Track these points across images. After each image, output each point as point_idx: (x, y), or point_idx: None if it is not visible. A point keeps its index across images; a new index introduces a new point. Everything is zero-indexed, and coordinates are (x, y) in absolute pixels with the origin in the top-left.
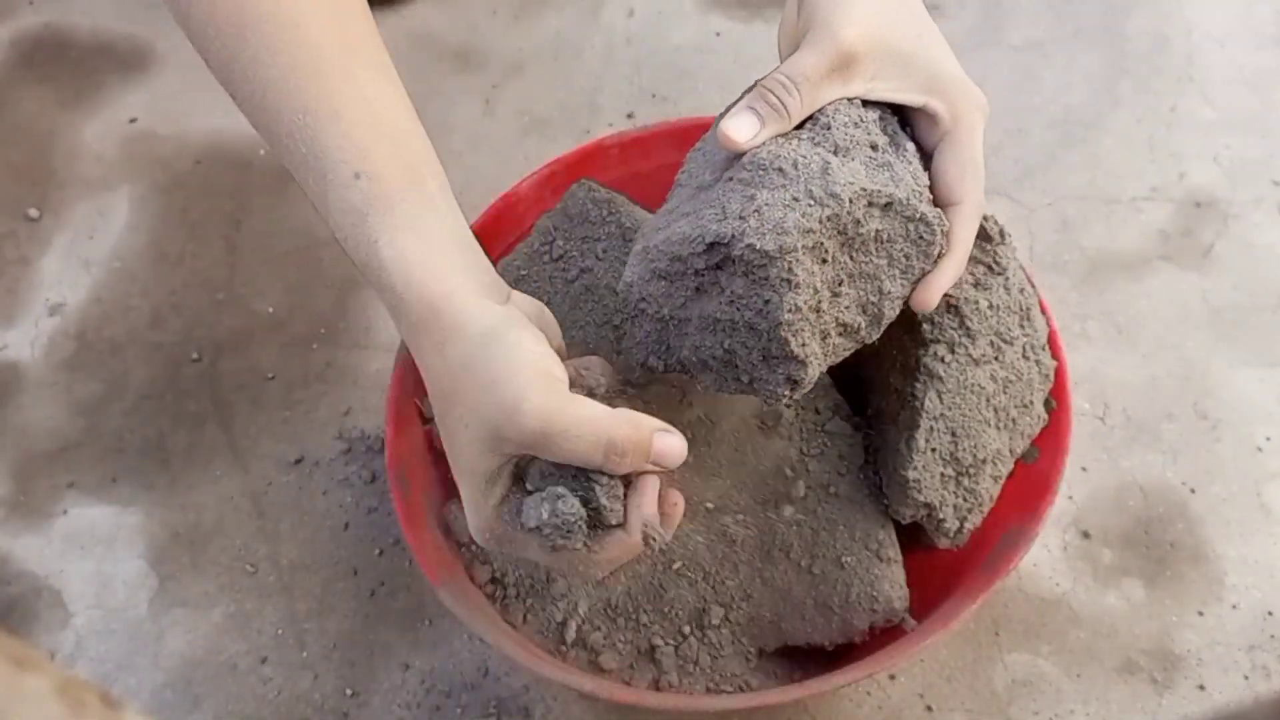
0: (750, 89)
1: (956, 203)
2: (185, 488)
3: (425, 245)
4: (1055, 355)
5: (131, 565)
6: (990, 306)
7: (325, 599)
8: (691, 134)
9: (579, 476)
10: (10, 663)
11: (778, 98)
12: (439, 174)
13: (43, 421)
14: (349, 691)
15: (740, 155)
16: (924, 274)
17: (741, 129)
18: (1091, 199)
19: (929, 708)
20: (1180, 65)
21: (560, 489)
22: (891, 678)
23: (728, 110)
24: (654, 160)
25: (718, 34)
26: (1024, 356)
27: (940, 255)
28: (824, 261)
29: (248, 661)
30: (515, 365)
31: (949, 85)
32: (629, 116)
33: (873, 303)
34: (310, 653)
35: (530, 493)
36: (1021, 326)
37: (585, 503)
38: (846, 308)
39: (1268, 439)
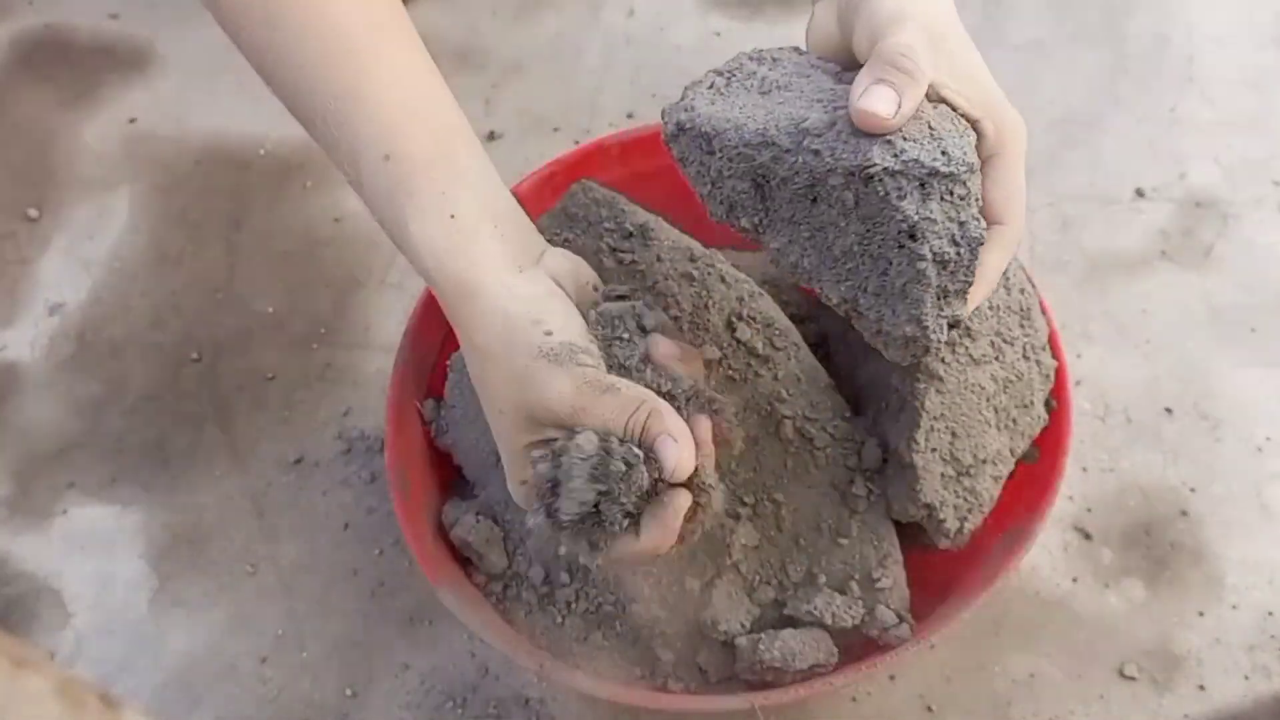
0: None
1: (1000, 224)
2: (185, 488)
3: (453, 224)
4: (1055, 355)
5: (131, 565)
6: (990, 307)
7: (325, 599)
8: None
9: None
10: (10, 663)
11: (910, 62)
12: (471, 141)
13: (43, 422)
14: (349, 692)
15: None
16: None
17: (882, 104)
18: (1092, 199)
19: (929, 708)
20: (1180, 65)
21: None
22: (891, 678)
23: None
24: (654, 160)
25: (718, 34)
26: (1024, 356)
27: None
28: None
29: (248, 661)
30: (543, 358)
31: (999, 106)
32: (629, 116)
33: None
34: (310, 653)
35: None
36: (1022, 326)
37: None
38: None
39: (1268, 439)
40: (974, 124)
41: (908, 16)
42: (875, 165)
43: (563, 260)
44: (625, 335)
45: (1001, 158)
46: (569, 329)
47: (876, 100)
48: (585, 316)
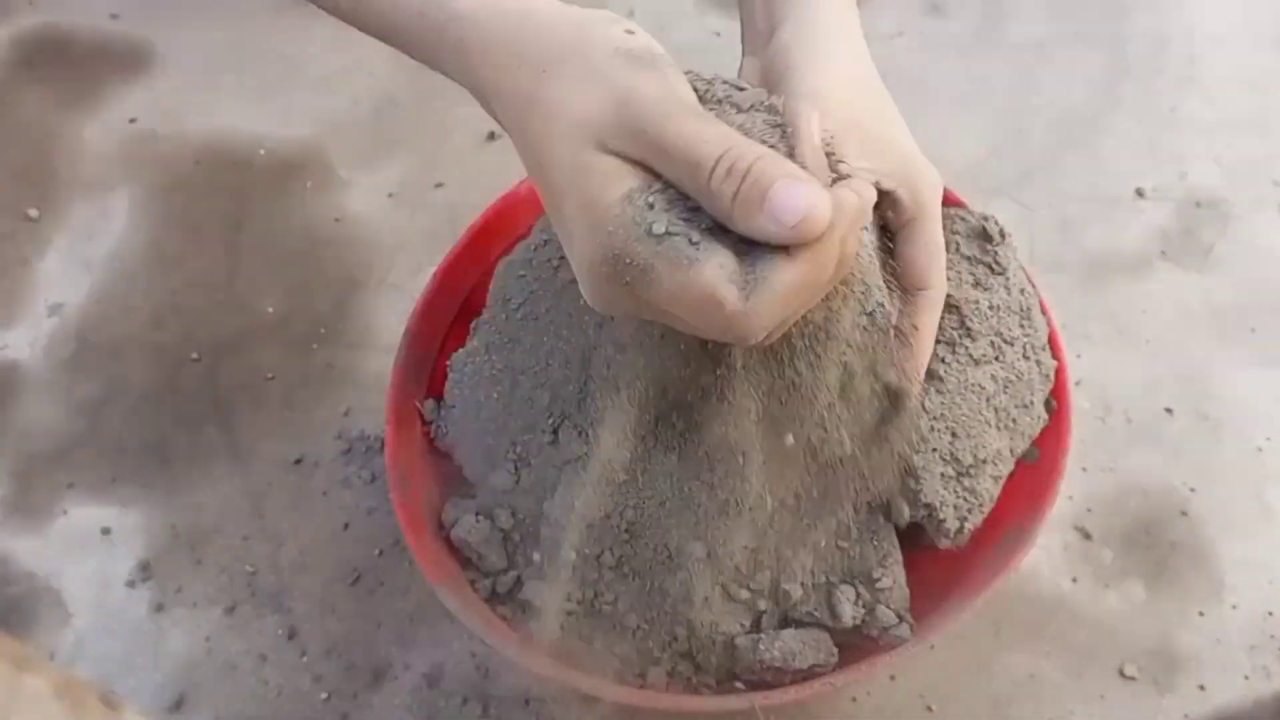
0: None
1: (925, 289)
2: (185, 488)
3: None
4: (1055, 355)
5: (132, 565)
6: (990, 307)
7: (325, 599)
8: None
9: None
10: (10, 663)
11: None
12: None
13: (43, 421)
14: (349, 692)
15: None
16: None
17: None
18: (1092, 199)
19: (929, 708)
20: (1181, 65)
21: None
22: (891, 678)
23: None
24: None
25: (718, 34)
26: (1024, 357)
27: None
28: None
29: (248, 661)
30: (628, 53)
31: (912, 169)
32: None
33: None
34: (310, 653)
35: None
36: (1022, 327)
37: None
38: None
39: (1268, 439)
40: (887, 194)
41: (814, 102)
42: None
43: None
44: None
45: (919, 220)
46: (649, 40)
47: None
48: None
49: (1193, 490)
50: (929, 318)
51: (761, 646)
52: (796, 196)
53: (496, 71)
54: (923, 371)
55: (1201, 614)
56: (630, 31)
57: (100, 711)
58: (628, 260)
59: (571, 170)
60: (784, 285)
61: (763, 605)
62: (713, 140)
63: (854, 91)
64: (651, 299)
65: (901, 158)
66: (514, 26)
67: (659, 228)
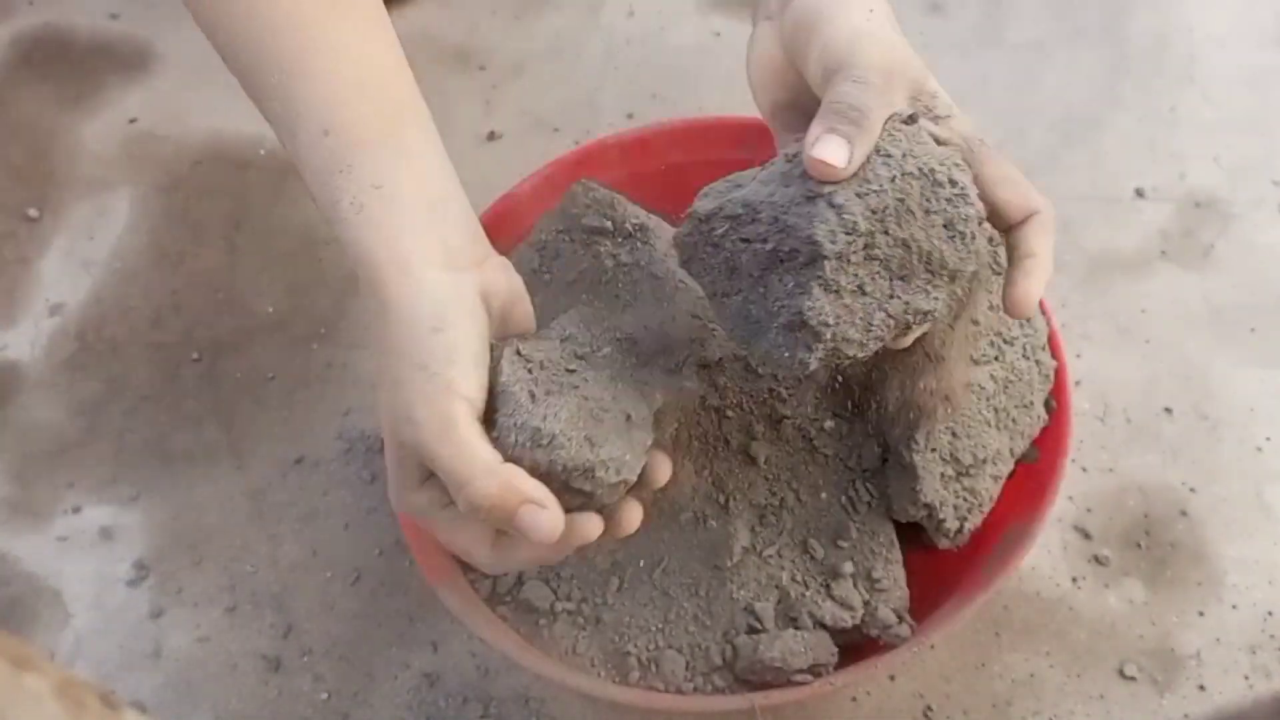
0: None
1: (1037, 210)
2: (186, 487)
3: (384, 207)
4: (1055, 355)
5: (131, 565)
6: (990, 306)
7: (325, 599)
8: (691, 134)
9: None
10: (10, 663)
11: (856, 110)
12: (421, 120)
13: (43, 421)
14: (349, 691)
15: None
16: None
17: (831, 151)
18: (1091, 199)
19: (929, 708)
20: (1181, 65)
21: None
22: (891, 678)
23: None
24: (654, 160)
25: (718, 34)
26: (1024, 356)
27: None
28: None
29: (248, 661)
30: (420, 372)
31: (956, 114)
32: (629, 116)
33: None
34: (310, 653)
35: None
36: (1021, 326)
37: None
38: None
39: (1268, 439)
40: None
41: (859, 53)
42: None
43: (501, 276)
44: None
45: (982, 154)
46: (466, 349)
47: (825, 148)
48: (502, 348)
49: (1192, 490)
50: (1047, 240)
51: (761, 647)
52: (539, 520)
53: (366, 302)
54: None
55: (1201, 614)
56: (443, 347)
57: (100, 711)
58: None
59: (386, 442)
60: (519, 557)
61: (763, 605)
62: (453, 481)
63: (892, 32)
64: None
65: (946, 104)
66: (373, 290)
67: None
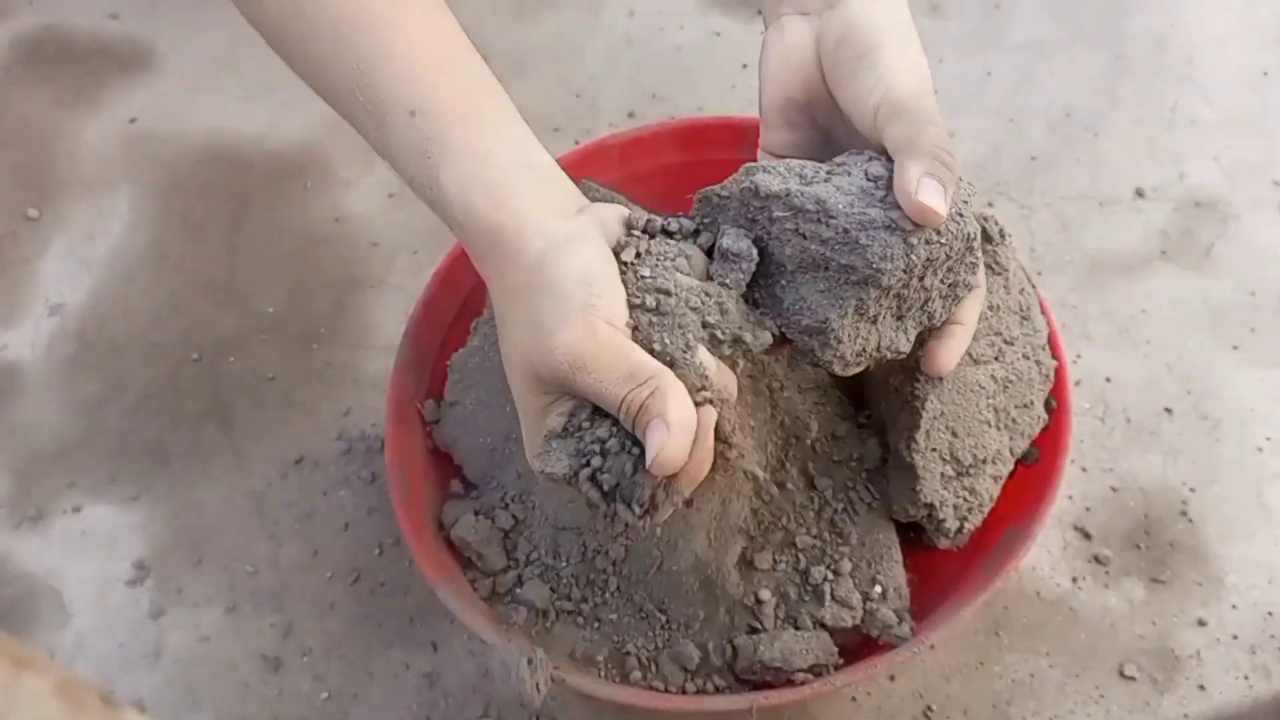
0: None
1: (979, 285)
2: (185, 488)
3: (485, 172)
4: (1055, 355)
5: (131, 565)
6: (990, 307)
7: (325, 599)
8: (692, 134)
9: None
10: (10, 663)
11: (951, 158)
12: (499, 96)
13: (43, 421)
14: (349, 691)
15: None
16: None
17: (937, 199)
18: (1091, 199)
19: (929, 708)
20: (1180, 65)
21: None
22: (891, 678)
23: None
24: (654, 160)
25: (718, 34)
26: (1024, 356)
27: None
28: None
29: (248, 661)
30: (556, 298)
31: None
32: (629, 116)
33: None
34: (310, 653)
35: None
36: (1021, 326)
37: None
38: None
39: (1268, 439)
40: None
41: (926, 94)
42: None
43: (608, 212)
44: (668, 260)
45: None
46: (600, 275)
47: (932, 195)
48: (630, 224)
49: (1193, 490)
50: (976, 311)
51: (761, 647)
52: (655, 437)
53: (483, 266)
54: (955, 360)
55: (1201, 614)
56: (576, 270)
57: (100, 711)
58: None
59: (519, 397)
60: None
61: (762, 605)
62: (613, 381)
63: (920, 92)
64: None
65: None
66: (493, 249)
67: (560, 471)
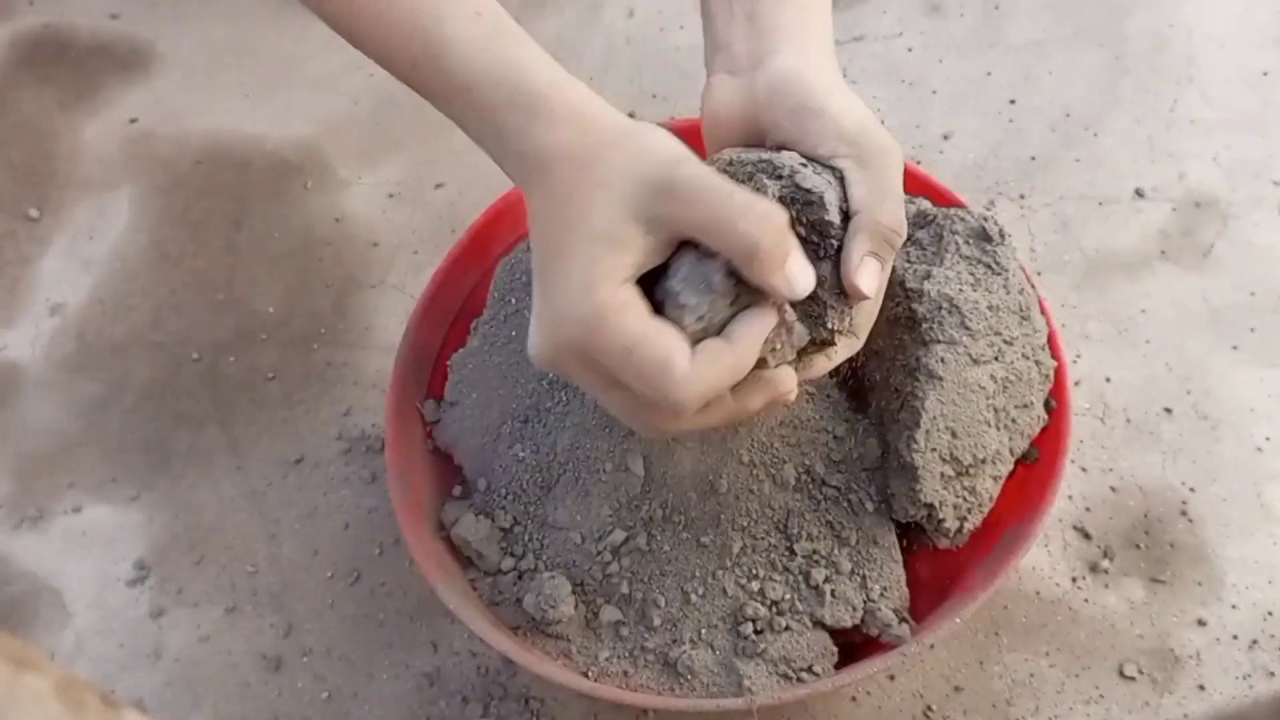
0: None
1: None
2: (185, 488)
3: (553, 64)
4: (1055, 355)
5: (132, 565)
6: (990, 307)
7: (325, 599)
8: (691, 134)
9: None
10: (10, 662)
11: (899, 238)
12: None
13: (43, 421)
14: (349, 691)
15: None
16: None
17: (873, 281)
18: (1091, 199)
19: (929, 708)
20: (1180, 65)
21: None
22: (891, 678)
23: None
24: None
25: None
26: (1024, 356)
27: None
28: None
29: (248, 661)
30: (671, 141)
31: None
32: (629, 116)
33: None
34: (310, 653)
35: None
36: (1021, 326)
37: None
38: None
39: (1268, 439)
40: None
41: (872, 120)
42: None
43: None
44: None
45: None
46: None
47: (868, 278)
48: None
49: (1192, 490)
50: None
51: (761, 646)
52: (808, 274)
53: (569, 134)
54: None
55: (1201, 614)
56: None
57: (100, 711)
58: (605, 332)
59: (605, 234)
60: (720, 364)
61: (762, 605)
62: (744, 201)
63: (868, 120)
64: (608, 362)
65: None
66: (585, 105)
67: (675, 290)
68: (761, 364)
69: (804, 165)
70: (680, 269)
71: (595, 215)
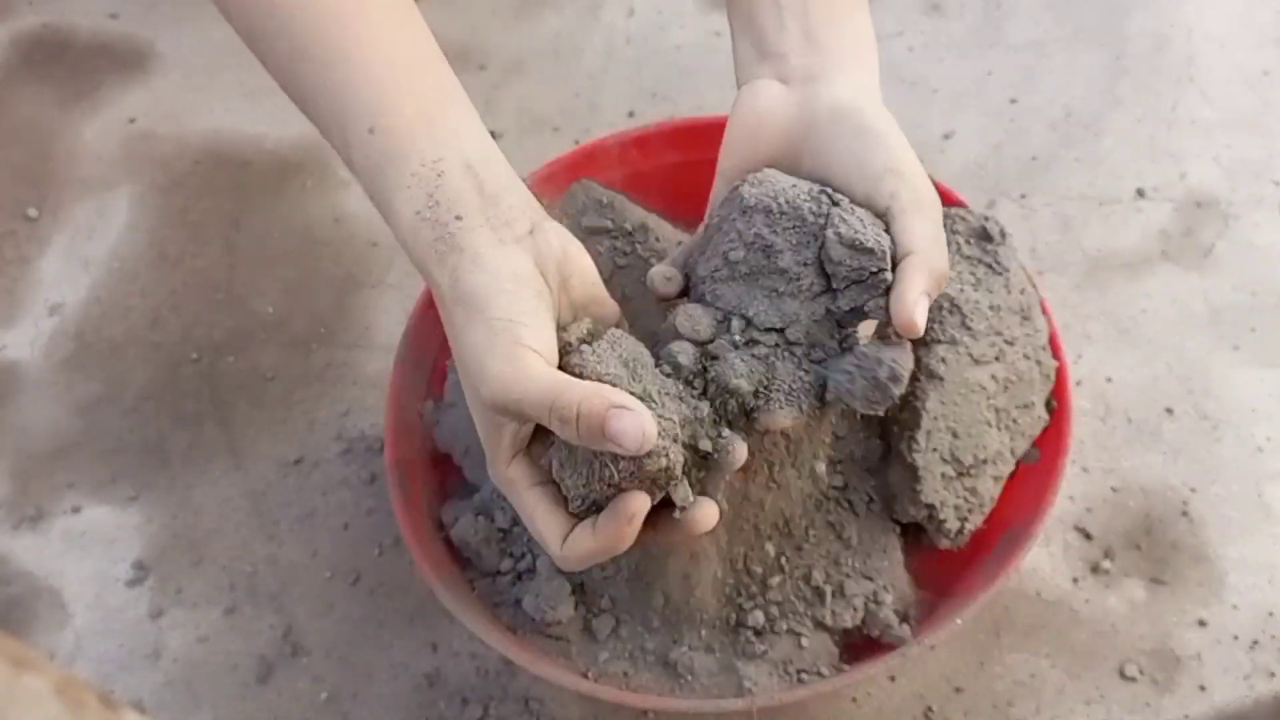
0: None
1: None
2: (185, 488)
3: (433, 194)
4: (1056, 355)
5: (130, 566)
6: (991, 307)
7: (325, 599)
8: (692, 134)
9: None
10: (10, 663)
11: (945, 276)
12: (458, 100)
13: (43, 421)
14: (349, 691)
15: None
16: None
17: (923, 320)
18: (1092, 199)
19: (929, 709)
20: (1180, 65)
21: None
22: (891, 679)
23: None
24: (654, 160)
25: (718, 34)
26: (1025, 357)
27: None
28: None
29: (248, 661)
30: (488, 333)
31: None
32: (629, 116)
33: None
34: (310, 653)
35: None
36: (1022, 327)
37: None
38: None
39: (1268, 439)
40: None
41: (929, 204)
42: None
43: (554, 241)
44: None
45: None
46: (529, 310)
47: (924, 315)
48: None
49: (1193, 490)
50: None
51: (762, 647)
52: (627, 422)
53: (428, 280)
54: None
55: (1202, 614)
56: (498, 317)
57: (99, 711)
58: (513, 495)
59: (477, 424)
60: (585, 548)
61: (763, 606)
62: (539, 406)
63: (917, 161)
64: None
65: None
66: (432, 269)
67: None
68: (667, 504)
69: (856, 217)
70: (560, 447)
71: (471, 407)
